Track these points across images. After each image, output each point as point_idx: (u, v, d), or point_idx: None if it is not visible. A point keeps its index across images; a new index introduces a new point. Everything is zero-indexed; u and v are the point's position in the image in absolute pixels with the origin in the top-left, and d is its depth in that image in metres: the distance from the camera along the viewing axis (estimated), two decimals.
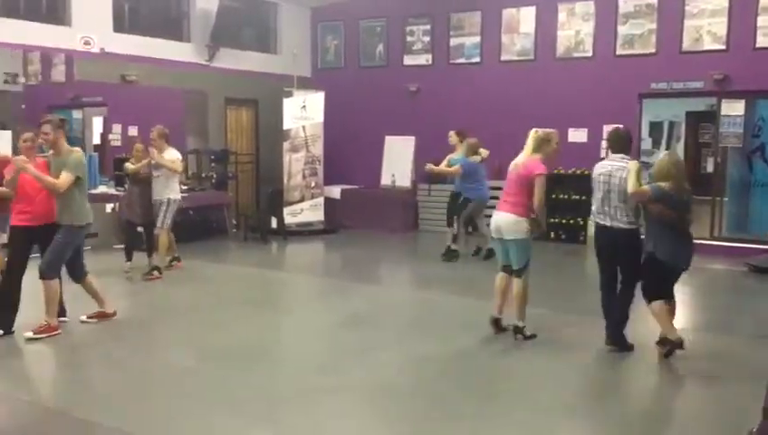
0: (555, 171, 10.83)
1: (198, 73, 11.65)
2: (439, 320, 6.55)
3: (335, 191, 12.56)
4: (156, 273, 8.09)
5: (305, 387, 4.72)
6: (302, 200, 12.05)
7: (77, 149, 6.00)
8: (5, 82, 12.40)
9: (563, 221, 10.93)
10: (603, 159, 5.83)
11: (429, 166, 9.70)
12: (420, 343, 5.71)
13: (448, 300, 7.28)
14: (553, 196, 10.82)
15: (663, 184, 5.13)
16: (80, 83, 11.30)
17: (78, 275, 6.05)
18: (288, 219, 11.61)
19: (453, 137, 9.71)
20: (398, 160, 12.25)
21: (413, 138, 12.17)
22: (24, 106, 12.44)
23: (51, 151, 5.82)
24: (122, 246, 9.84)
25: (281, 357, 5.59)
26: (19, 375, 5.14)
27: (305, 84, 12.75)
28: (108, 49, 10.45)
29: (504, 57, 11.75)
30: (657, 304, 5.25)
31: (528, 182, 5.68)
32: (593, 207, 5.53)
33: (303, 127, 12.02)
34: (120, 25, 10.80)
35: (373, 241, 9.93)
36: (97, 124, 13.34)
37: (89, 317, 6.14)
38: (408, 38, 12.66)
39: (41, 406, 4.43)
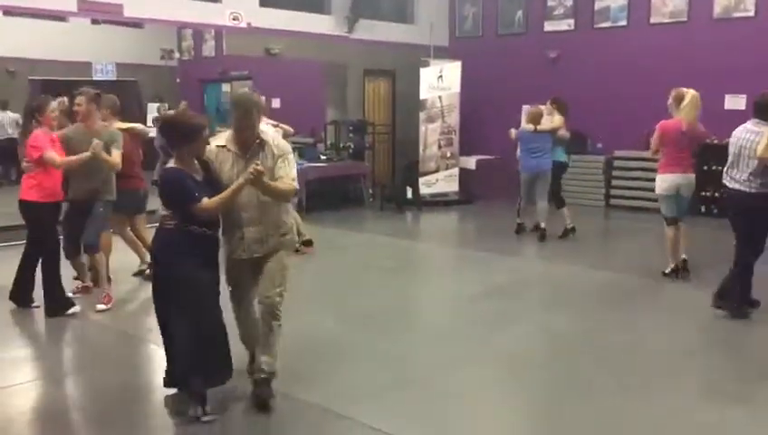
0: (708, 141, 10.13)
1: (338, 45, 11.87)
2: (577, 293, 6.36)
3: (470, 162, 12.44)
4: None
5: (443, 354, 4.76)
6: (437, 171, 12.05)
7: (108, 124, 5.81)
8: (162, 57, 13.29)
9: (717, 194, 10.18)
10: None
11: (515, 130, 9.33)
12: (558, 317, 5.60)
13: (586, 273, 7.05)
14: (705, 167, 10.12)
15: None
16: (227, 57, 11.87)
17: (78, 250, 5.87)
18: (423, 190, 11.66)
19: (548, 105, 9.11)
20: None
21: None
22: (178, 80, 13.28)
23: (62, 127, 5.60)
24: None
25: (419, 324, 5.66)
26: None
27: (442, 54, 12.66)
28: (254, 24, 10.85)
29: (653, 19, 11.05)
30: None
31: (695, 143, 6.70)
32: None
33: (440, 97, 11.96)
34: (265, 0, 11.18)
35: (508, 212, 9.75)
36: None
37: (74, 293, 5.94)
38: (550, 3, 12.19)
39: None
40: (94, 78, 12.90)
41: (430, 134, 11.97)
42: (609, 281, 6.74)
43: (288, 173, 3.78)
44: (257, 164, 3.55)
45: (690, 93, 6.45)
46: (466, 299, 6.23)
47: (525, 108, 11.74)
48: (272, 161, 3.75)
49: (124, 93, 5.50)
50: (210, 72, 12.92)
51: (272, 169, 3.72)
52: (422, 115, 11.90)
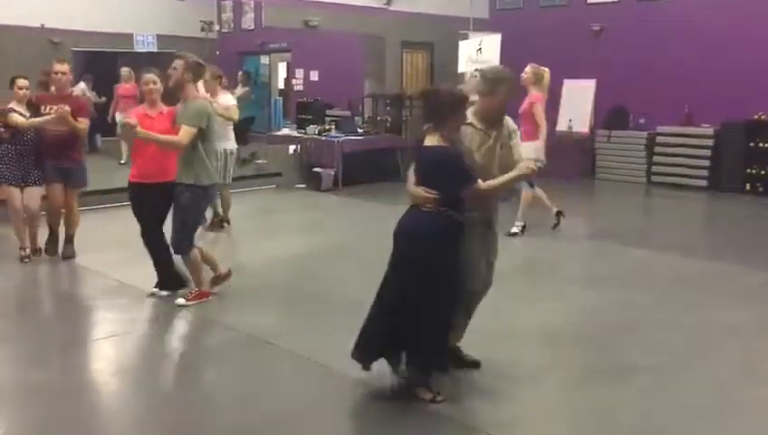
0: (756, 117, 9.86)
1: (377, 17, 11.78)
2: (611, 271, 6.28)
3: None
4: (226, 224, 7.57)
5: (473, 329, 4.75)
6: None
7: (202, 95, 5.28)
8: (202, 29, 13.40)
9: (762, 172, 9.90)
10: None
11: None
12: (590, 293, 5.53)
13: (620, 250, 6.95)
14: (751, 144, 9.86)
15: None
16: (267, 30, 11.90)
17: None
18: None
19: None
20: (576, 105, 11.71)
21: (593, 81, 11.52)
22: (218, 53, 13.38)
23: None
24: (303, 185, 10.43)
25: None
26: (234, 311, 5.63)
27: (482, 26, 12.47)
28: None
29: None
30: None
31: None
32: None
33: (478, 70, 11.80)
34: None
35: (546, 188, 9.61)
36: (281, 70, 14.07)
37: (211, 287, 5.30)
38: None
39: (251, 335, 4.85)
40: (135, 49, 13.09)
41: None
42: (644, 258, 6.64)
43: (520, 154, 3.86)
44: (535, 161, 3.73)
45: (548, 71, 7.30)
46: (497, 275, 6.19)
47: (567, 82, 11.55)
48: (507, 138, 3.82)
49: (164, 65, 5.36)
50: (249, 45, 12.99)
51: (508, 145, 3.80)
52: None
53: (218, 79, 7.24)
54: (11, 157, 5.97)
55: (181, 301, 5.09)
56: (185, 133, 4.78)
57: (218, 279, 5.35)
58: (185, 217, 4.93)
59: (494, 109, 3.72)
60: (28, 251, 6.19)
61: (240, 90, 12.16)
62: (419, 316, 3.56)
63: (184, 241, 4.98)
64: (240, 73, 12.53)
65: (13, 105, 5.92)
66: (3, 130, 5.93)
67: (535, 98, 7.29)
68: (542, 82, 7.32)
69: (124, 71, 11.55)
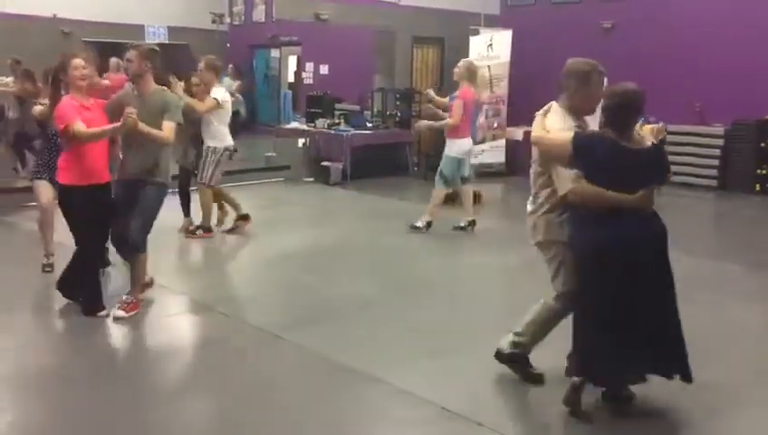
0: (767, 118, 9.81)
1: (387, 12, 11.77)
2: None
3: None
4: (200, 232, 6.86)
5: (477, 323, 4.76)
6: (483, 141, 11.91)
7: (164, 88, 4.89)
8: (213, 21, 13.43)
9: None
10: None
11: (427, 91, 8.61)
12: None
13: None
14: (762, 144, 9.81)
15: None
16: (277, 23, 11.90)
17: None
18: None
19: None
20: None
21: (604, 79, 11.48)
22: (228, 45, 13.41)
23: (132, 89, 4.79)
24: (311, 179, 10.45)
25: (454, 293, 5.65)
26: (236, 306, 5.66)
27: (493, 22, 12.44)
28: None
29: None
30: None
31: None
32: None
33: (488, 67, 11.76)
34: None
35: None
36: (291, 63, 14.08)
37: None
38: None
39: (257, 327, 4.88)
40: (146, 40, 13.13)
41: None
42: None
43: None
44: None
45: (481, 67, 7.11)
46: (503, 270, 6.20)
47: None
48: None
49: (175, 57, 5.31)
50: (260, 37, 13.00)
51: None
52: None
53: (213, 70, 6.70)
54: (40, 152, 5.62)
55: (120, 313, 4.66)
56: (171, 128, 4.61)
57: (145, 286, 5.07)
58: (151, 214, 4.74)
59: (593, 98, 3.84)
60: (51, 260, 5.61)
61: (230, 83, 12.10)
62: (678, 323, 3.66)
63: (145, 238, 4.75)
64: (230, 66, 12.47)
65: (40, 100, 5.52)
66: (36, 123, 5.60)
67: (464, 93, 6.98)
68: (475, 78, 7.19)
69: (112, 61, 11.56)
